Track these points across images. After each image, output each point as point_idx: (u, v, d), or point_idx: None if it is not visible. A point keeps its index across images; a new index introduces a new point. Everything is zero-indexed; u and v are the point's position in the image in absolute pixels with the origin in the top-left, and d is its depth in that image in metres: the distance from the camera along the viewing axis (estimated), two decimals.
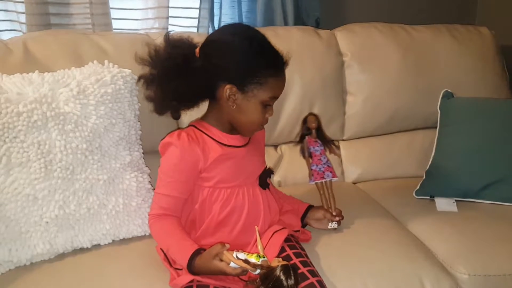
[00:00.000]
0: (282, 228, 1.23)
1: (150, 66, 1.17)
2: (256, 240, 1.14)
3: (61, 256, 1.25)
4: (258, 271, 1.00)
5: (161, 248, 1.22)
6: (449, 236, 1.44)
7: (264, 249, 1.09)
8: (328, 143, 1.39)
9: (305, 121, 1.39)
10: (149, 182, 1.38)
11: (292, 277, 0.98)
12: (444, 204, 1.60)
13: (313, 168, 1.37)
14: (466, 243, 1.40)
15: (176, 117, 1.24)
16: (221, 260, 1.03)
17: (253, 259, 1.01)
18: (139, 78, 1.24)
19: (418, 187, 1.68)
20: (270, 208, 1.25)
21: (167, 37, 1.19)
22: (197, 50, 1.16)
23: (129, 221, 1.31)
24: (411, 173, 1.85)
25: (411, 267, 1.29)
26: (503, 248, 1.38)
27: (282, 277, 0.98)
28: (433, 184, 1.68)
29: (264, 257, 1.01)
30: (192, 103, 1.21)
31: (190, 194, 1.19)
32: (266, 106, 1.16)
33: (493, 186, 1.62)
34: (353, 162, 1.87)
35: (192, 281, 1.08)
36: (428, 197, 1.65)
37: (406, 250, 1.35)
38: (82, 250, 1.27)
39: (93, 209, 1.26)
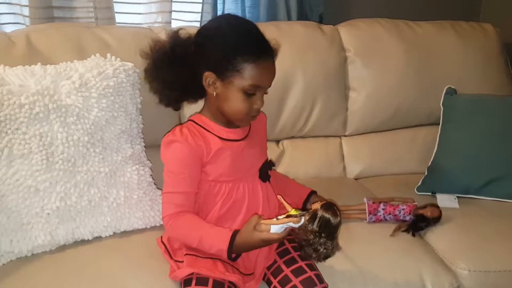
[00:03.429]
0: None
1: (149, 59, 1.20)
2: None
3: (62, 248, 1.25)
4: (302, 221, 1.01)
5: (162, 241, 1.23)
6: (450, 232, 1.44)
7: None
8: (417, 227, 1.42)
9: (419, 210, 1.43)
10: (151, 175, 1.38)
11: (338, 213, 1.02)
12: (445, 200, 1.60)
13: (369, 216, 1.43)
14: (466, 239, 1.40)
15: (176, 108, 1.26)
16: (262, 231, 1.03)
17: (292, 213, 1.03)
18: (145, 71, 1.25)
19: (419, 183, 1.68)
20: (269, 201, 1.24)
21: (169, 32, 1.22)
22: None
23: (130, 213, 1.32)
24: (413, 169, 1.85)
25: (411, 262, 1.29)
26: (503, 244, 1.38)
27: (328, 215, 1.01)
28: (434, 180, 1.67)
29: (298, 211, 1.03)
30: (187, 95, 1.21)
31: (199, 188, 1.18)
32: (250, 95, 1.11)
33: (495, 183, 1.62)
34: (355, 158, 1.87)
35: (192, 273, 1.09)
36: (430, 193, 1.65)
37: (406, 245, 1.35)
38: (83, 242, 1.28)
39: (94, 201, 1.26)
